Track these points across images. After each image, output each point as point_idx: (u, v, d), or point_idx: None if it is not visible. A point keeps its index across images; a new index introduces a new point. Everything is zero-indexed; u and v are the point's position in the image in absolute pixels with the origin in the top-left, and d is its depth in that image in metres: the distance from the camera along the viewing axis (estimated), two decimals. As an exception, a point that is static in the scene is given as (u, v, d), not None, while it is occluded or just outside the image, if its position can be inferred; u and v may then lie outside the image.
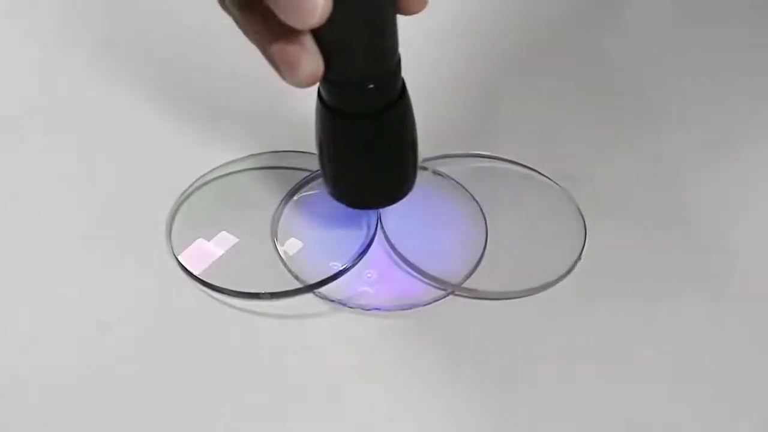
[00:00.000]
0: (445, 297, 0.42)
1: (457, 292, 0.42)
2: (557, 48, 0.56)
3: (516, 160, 0.48)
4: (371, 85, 0.37)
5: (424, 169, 0.47)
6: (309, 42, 0.34)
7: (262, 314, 0.41)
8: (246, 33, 0.36)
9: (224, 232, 0.44)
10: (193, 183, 0.46)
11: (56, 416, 0.38)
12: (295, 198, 0.46)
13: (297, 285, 0.42)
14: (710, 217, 0.47)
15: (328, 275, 0.42)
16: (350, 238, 0.44)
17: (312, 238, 0.44)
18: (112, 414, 0.38)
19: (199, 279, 0.42)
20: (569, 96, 0.53)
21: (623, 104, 0.53)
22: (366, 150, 0.39)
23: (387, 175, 0.41)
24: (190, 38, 0.55)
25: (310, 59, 0.34)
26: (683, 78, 0.54)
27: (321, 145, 0.40)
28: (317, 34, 0.34)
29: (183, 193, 0.46)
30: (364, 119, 0.38)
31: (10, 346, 0.40)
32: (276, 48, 0.34)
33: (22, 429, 0.38)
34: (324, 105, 0.38)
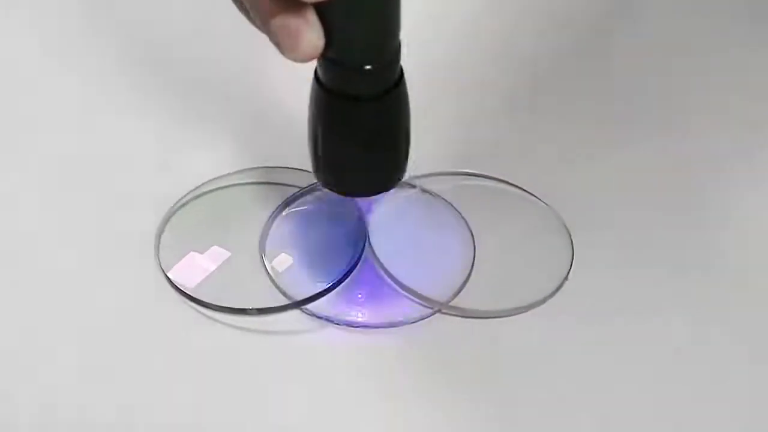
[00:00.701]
0: (432, 315, 0.42)
1: (444, 311, 0.42)
2: (545, 70, 0.57)
3: (503, 179, 0.48)
4: (369, 66, 0.37)
5: (413, 187, 0.47)
6: (312, 16, 0.34)
7: (249, 330, 0.41)
8: (249, 9, 0.36)
9: (214, 247, 0.44)
10: (183, 197, 0.46)
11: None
12: (284, 213, 0.46)
13: (285, 301, 0.42)
14: (699, 235, 0.47)
15: (316, 292, 0.42)
16: (338, 255, 0.44)
17: (300, 254, 0.44)
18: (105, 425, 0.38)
19: (187, 294, 0.42)
20: (556, 115, 0.53)
21: (611, 125, 0.53)
22: (360, 133, 0.39)
23: (378, 161, 0.41)
24: (183, 53, 0.55)
25: (312, 32, 0.34)
26: (673, 92, 0.55)
27: (315, 128, 0.40)
28: (320, 9, 0.34)
29: (172, 207, 0.46)
30: (360, 101, 0.38)
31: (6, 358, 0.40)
32: (278, 21, 0.34)
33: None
34: (320, 85, 0.38)
